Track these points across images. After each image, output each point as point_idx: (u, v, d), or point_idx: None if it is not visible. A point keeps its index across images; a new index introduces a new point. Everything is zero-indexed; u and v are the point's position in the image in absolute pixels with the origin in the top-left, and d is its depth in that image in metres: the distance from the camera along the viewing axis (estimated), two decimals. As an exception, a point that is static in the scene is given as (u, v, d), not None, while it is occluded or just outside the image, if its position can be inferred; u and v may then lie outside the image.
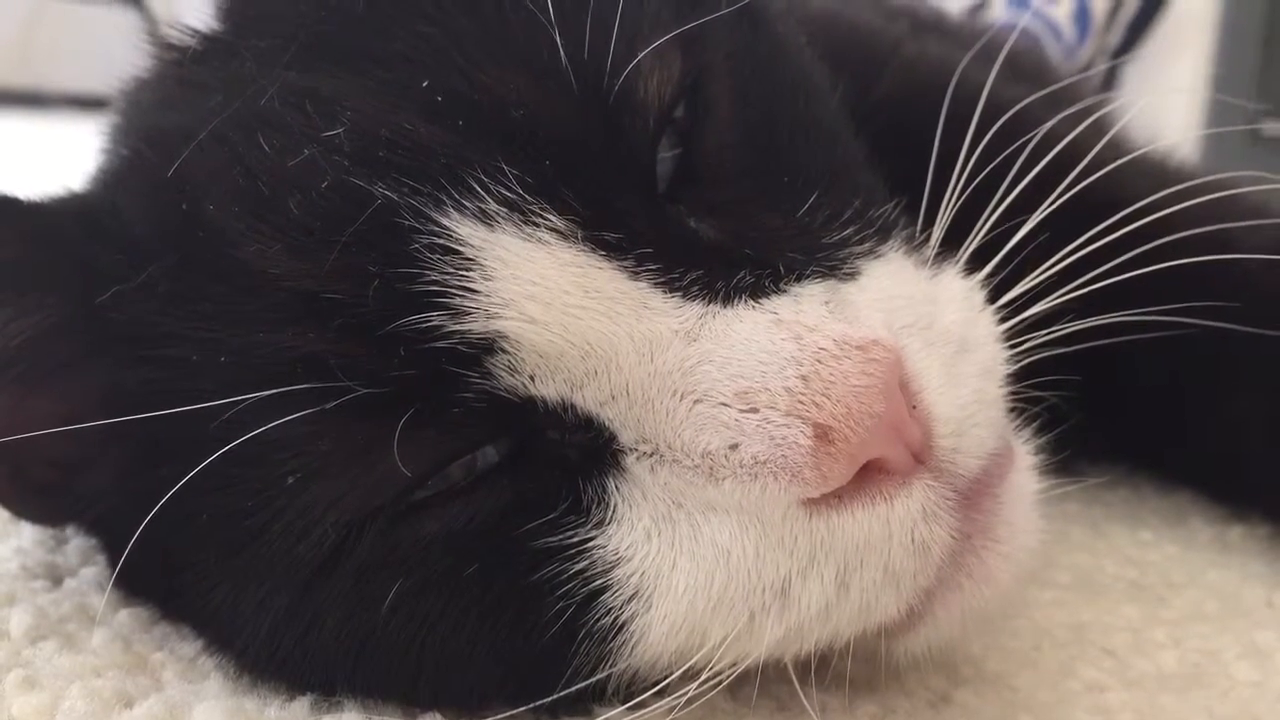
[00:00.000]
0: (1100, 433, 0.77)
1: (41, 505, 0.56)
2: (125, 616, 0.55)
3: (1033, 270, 0.54)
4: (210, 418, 0.44)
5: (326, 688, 0.49)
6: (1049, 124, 0.63)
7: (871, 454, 0.42)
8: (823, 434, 0.41)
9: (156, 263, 0.46)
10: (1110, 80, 2.11)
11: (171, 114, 0.51)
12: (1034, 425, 0.73)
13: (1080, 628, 0.58)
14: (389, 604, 0.45)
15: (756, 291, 0.45)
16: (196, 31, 0.53)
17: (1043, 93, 0.72)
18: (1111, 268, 0.56)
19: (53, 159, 0.59)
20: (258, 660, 0.49)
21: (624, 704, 0.47)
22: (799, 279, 0.46)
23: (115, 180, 0.53)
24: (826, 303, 0.45)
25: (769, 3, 0.58)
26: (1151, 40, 2.15)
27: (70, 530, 0.63)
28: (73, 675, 0.49)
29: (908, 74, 0.76)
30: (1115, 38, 2.14)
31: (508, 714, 0.47)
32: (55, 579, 0.59)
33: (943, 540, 0.44)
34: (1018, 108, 0.65)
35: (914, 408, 0.44)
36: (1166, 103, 2.14)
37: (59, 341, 0.49)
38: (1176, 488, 0.77)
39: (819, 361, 0.42)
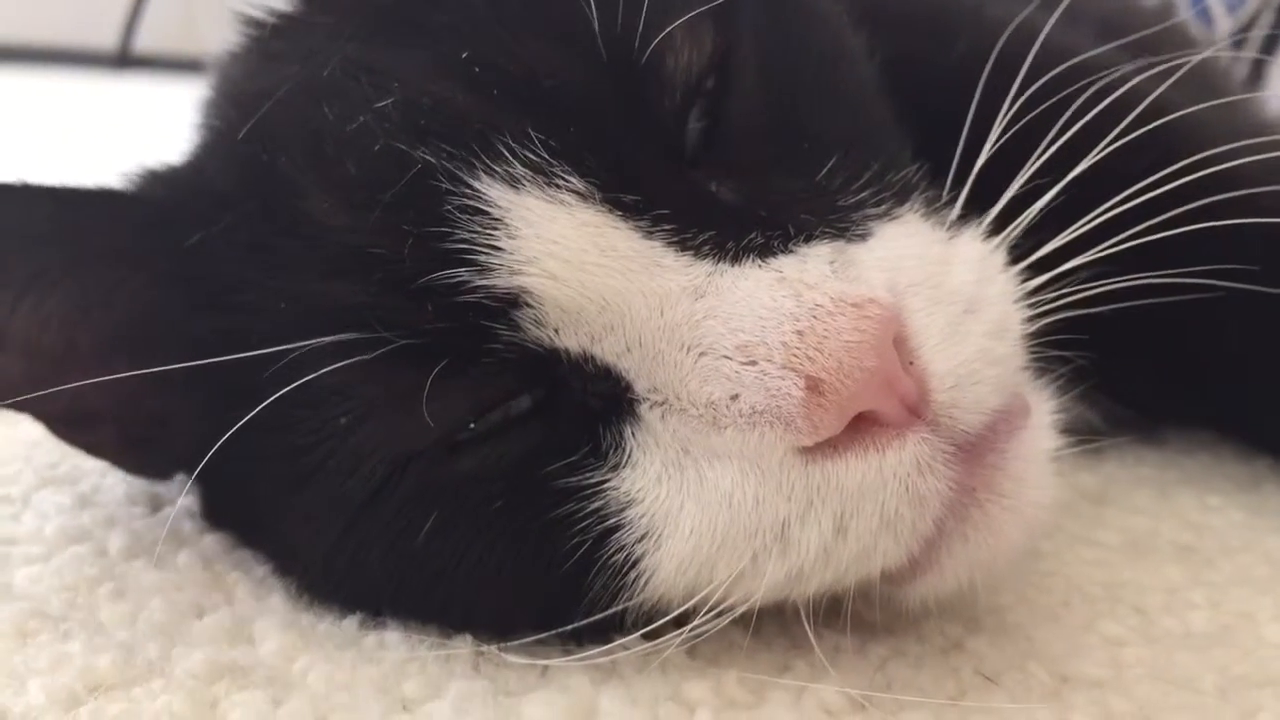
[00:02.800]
0: (1179, 397, 0.77)
1: (146, 460, 0.62)
2: (210, 541, 0.60)
3: (1077, 222, 0.54)
4: (272, 362, 0.48)
5: (373, 609, 0.54)
6: (1112, 73, 0.62)
7: (861, 406, 0.44)
8: (814, 386, 0.44)
9: (238, 210, 0.51)
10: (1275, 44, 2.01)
11: (255, 81, 0.55)
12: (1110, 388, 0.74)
13: (1116, 586, 0.58)
14: (425, 533, 0.49)
15: (765, 251, 0.47)
16: (277, 11, 0.58)
17: (1117, 43, 0.71)
18: (1164, 221, 0.56)
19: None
20: (315, 583, 0.54)
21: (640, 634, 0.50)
22: (808, 240, 0.48)
23: (205, 148, 0.58)
24: (831, 262, 0.47)
25: None
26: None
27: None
28: (156, 589, 0.55)
29: (982, 35, 0.76)
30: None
31: (533, 638, 0.51)
32: (155, 506, 0.65)
33: (939, 491, 0.46)
34: (1081, 58, 0.64)
35: (911, 363, 0.46)
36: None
37: (157, 308, 0.54)
38: (1257, 455, 0.76)
39: (814, 318, 0.44)
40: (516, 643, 0.51)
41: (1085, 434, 0.74)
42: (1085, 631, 0.54)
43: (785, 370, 0.44)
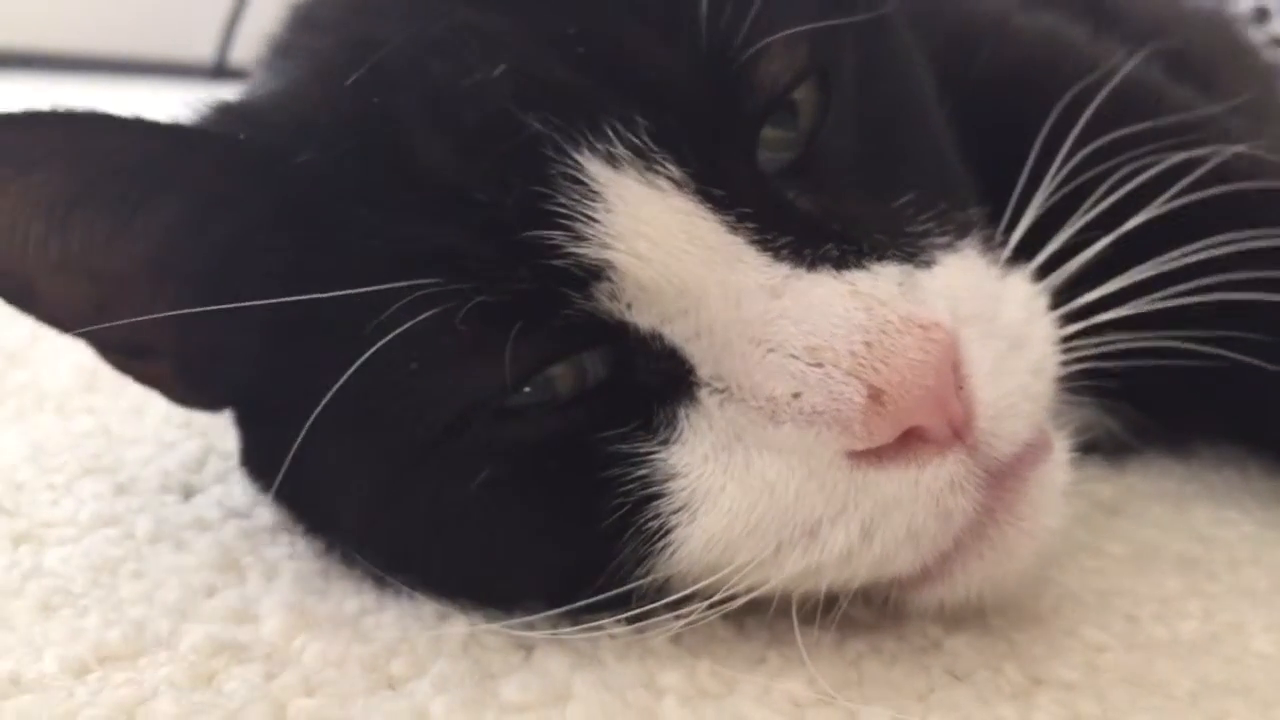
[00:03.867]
0: (1205, 411, 0.77)
1: (198, 392, 0.62)
2: (232, 527, 0.63)
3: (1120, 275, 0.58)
4: (361, 303, 0.49)
5: (402, 562, 0.56)
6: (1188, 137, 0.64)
7: (915, 421, 0.47)
8: (875, 395, 0.46)
9: (343, 146, 0.51)
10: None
11: (359, 27, 0.55)
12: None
13: (1110, 594, 0.59)
14: (476, 486, 0.50)
15: (840, 263, 0.49)
16: None
17: (1217, 107, 0.72)
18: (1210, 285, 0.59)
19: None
20: (349, 530, 0.57)
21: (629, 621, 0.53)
22: (879, 259, 0.50)
23: (297, 87, 0.57)
24: (900, 284, 0.50)
25: (896, 14, 0.62)
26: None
27: (213, 455, 0.73)
28: (173, 570, 0.58)
29: (1007, 47, 0.76)
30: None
31: (525, 620, 0.53)
32: (187, 494, 0.68)
33: (965, 510, 0.49)
34: (1158, 123, 0.65)
35: (960, 389, 0.48)
36: None
37: (249, 243, 0.54)
38: (1283, 471, 0.76)
39: (883, 332, 0.47)
40: (515, 621, 0.53)
41: (1109, 446, 0.75)
42: (1067, 636, 0.55)
43: (850, 377, 0.47)
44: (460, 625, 0.54)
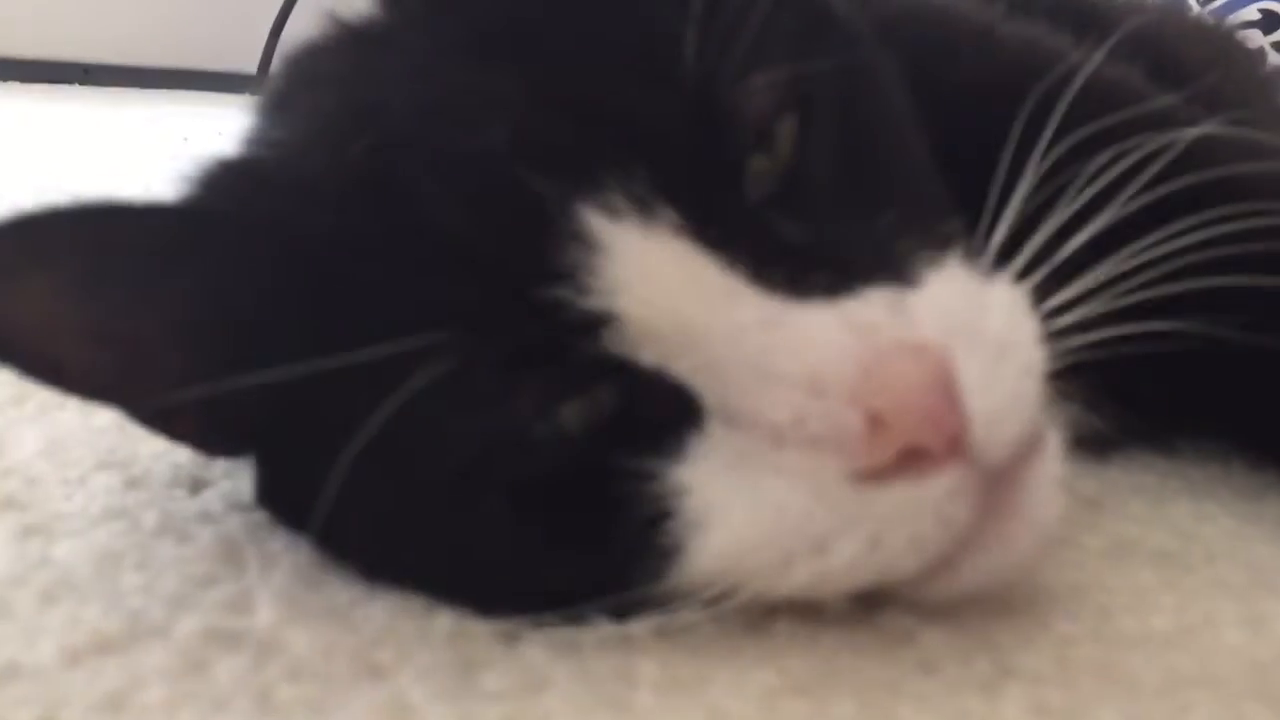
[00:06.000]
0: (1188, 406, 0.78)
1: (221, 444, 0.66)
2: (236, 520, 0.65)
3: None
4: (374, 360, 0.50)
5: (414, 580, 0.58)
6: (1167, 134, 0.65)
7: (914, 442, 0.49)
8: (874, 420, 0.49)
9: (354, 211, 0.53)
10: None
11: (359, 89, 0.57)
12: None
13: (1084, 587, 0.60)
14: (485, 514, 0.53)
15: (830, 291, 0.51)
16: (369, 17, 0.61)
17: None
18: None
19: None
20: (350, 547, 0.59)
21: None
22: (867, 282, 0.52)
23: (298, 146, 0.59)
24: (890, 306, 0.52)
25: (872, 44, 0.64)
26: None
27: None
28: (174, 561, 0.60)
29: (989, 54, 0.78)
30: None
31: (510, 619, 0.55)
32: (195, 489, 0.70)
33: (964, 516, 0.51)
34: (1127, 114, 0.67)
35: (955, 403, 0.50)
36: None
37: (264, 311, 0.56)
38: (1269, 466, 0.77)
39: (878, 359, 0.49)
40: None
41: (1092, 442, 0.76)
42: (1040, 628, 0.56)
43: (848, 405, 0.49)
44: (447, 618, 0.56)
